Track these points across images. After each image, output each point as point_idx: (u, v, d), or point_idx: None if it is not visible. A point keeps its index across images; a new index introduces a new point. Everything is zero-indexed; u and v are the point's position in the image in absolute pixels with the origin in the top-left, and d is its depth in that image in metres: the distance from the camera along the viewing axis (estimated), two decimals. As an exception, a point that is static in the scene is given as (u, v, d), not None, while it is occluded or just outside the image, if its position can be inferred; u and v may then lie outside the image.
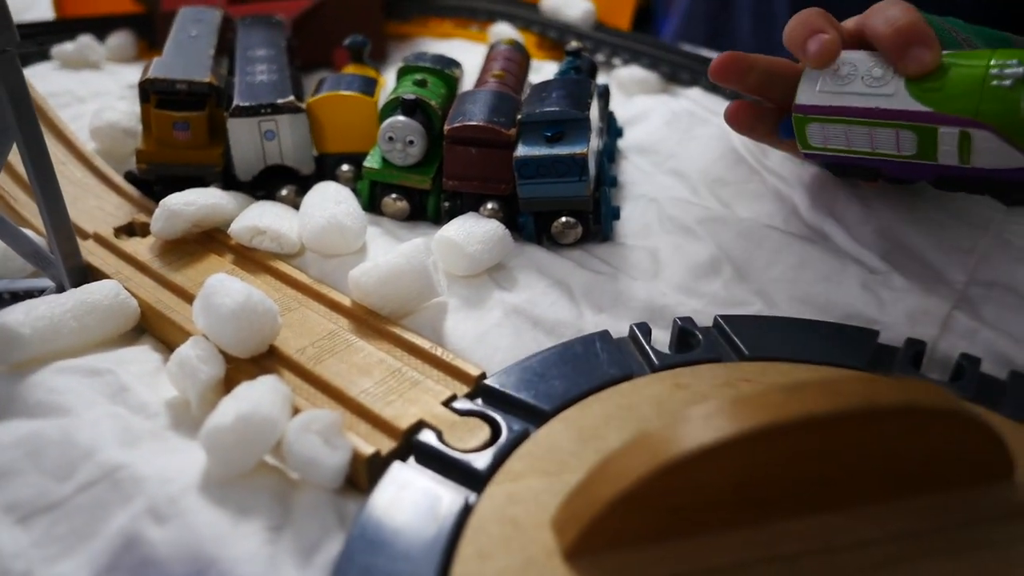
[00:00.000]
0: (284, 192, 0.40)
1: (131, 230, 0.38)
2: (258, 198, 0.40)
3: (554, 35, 0.57)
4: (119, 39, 0.57)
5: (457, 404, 0.26)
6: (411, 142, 0.37)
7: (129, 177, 0.41)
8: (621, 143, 0.46)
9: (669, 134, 0.45)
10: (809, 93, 0.32)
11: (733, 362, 0.28)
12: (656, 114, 0.48)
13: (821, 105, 0.31)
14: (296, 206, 0.40)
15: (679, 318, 0.30)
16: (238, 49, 0.45)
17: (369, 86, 0.41)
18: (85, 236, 0.36)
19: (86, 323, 0.29)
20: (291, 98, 0.39)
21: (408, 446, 0.25)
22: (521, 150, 0.35)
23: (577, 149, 0.34)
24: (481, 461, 0.24)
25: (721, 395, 0.26)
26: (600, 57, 0.56)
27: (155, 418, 0.27)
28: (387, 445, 0.25)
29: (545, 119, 0.35)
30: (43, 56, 0.56)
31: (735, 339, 0.29)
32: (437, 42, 0.60)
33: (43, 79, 0.52)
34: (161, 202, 0.35)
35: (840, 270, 0.34)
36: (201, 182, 0.40)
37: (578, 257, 0.36)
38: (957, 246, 0.34)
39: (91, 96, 0.51)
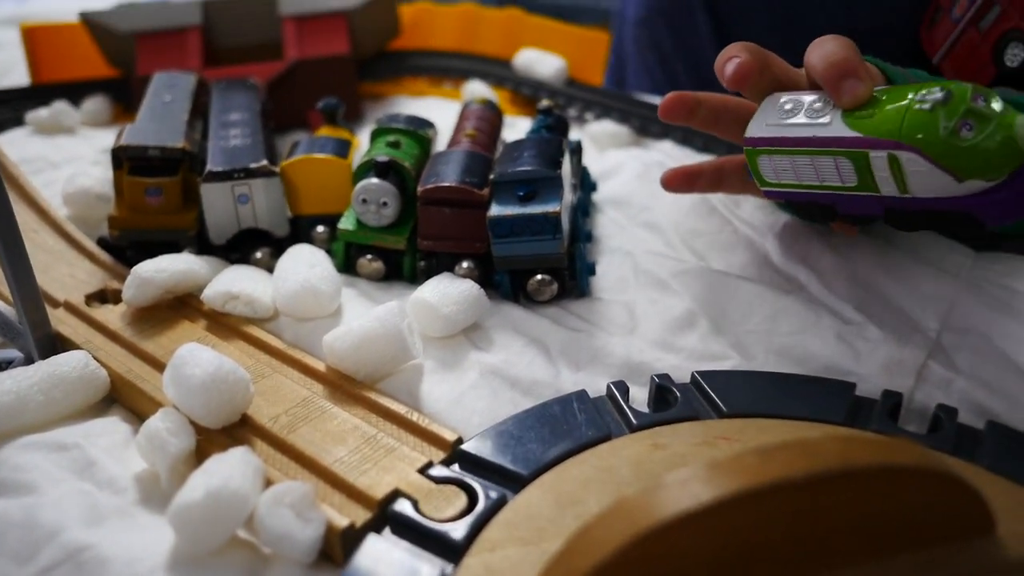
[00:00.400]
0: (258, 255, 0.40)
1: (103, 297, 0.37)
2: (232, 261, 0.40)
3: (527, 91, 0.58)
4: (94, 104, 0.57)
5: (433, 471, 0.26)
6: (385, 204, 0.38)
7: (102, 243, 0.41)
8: (595, 196, 0.46)
9: (642, 187, 0.46)
10: (757, 127, 0.33)
11: (711, 419, 0.28)
12: (628, 167, 0.48)
13: (766, 137, 0.32)
14: (270, 269, 0.40)
15: (656, 375, 0.30)
16: (212, 113, 0.46)
17: (343, 148, 0.42)
18: (56, 304, 0.36)
19: (53, 396, 0.28)
20: (264, 162, 0.39)
21: (383, 516, 0.24)
22: (494, 209, 0.35)
23: (550, 208, 0.34)
24: (458, 531, 0.23)
25: (699, 454, 0.26)
26: (572, 112, 0.57)
27: (123, 493, 0.26)
28: (362, 516, 0.24)
29: (517, 178, 0.36)
30: (17, 122, 0.55)
31: (712, 396, 0.29)
32: (411, 100, 0.61)
33: (17, 145, 0.52)
34: (132, 269, 0.34)
35: (815, 321, 0.34)
36: (175, 247, 0.40)
37: (554, 314, 0.36)
38: (930, 294, 0.35)
39: (65, 162, 0.51)
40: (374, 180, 0.38)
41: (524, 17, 0.63)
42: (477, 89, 0.58)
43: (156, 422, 0.26)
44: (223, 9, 0.59)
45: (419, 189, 0.36)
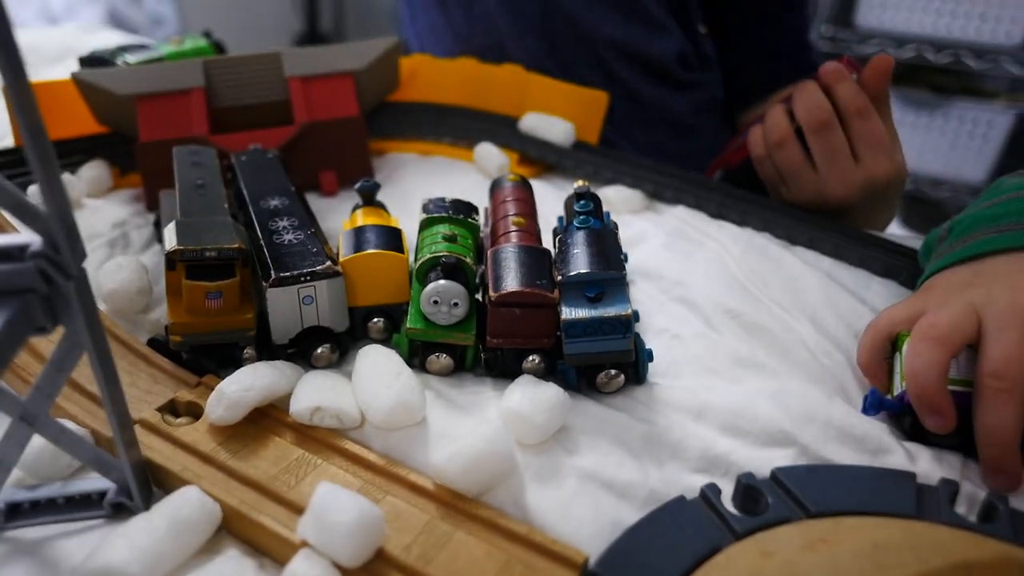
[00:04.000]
0: (320, 351, 0.40)
1: (174, 410, 0.37)
2: (290, 356, 0.40)
3: (535, 154, 0.60)
4: (94, 171, 0.55)
5: (574, 597, 0.28)
6: (456, 304, 0.39)
7: (152, 344, 0.41)
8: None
9: (670, 258, 0.49)
10: None
11: (801, 520, 0.31)
12: (652, 236, 0.51)
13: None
14: (331, 364, 0.40)
15: (742, 476, 0.33)
16: (247, 196, 0.45)
17: (397, 240, 0.42)
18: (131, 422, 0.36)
19: (181, 543, 0.29)
20: (328, 263, 0.40)
21: (541, 650, 0.26)
22: (567, 312, 0.37)
23: (622, 311, 0.37)
24: (620, 664, 0.25)
25: (806, 560, 0.29)
26: (579, 172, 0.59)
27: (278, 644, 0.27)
28: (522, 652, 0.26)
29: (586, 280, 0.38)
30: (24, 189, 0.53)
31: (797, 495, 0.32)
32: (421, 160, 0.61)
33: (24, 225, 0.50)
34: (218, 389, 0.35)
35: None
36: (234, 346, 0.40)
37: (622, 405, 0.38)
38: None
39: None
40: (443, 282, 0.38)
41: (524, 73, 0.64)
42: (489, 153, 0.59)
43: (304, 568, 0.27)
44: (225, 69, 0.57)
45: (492, 294, 0.38)
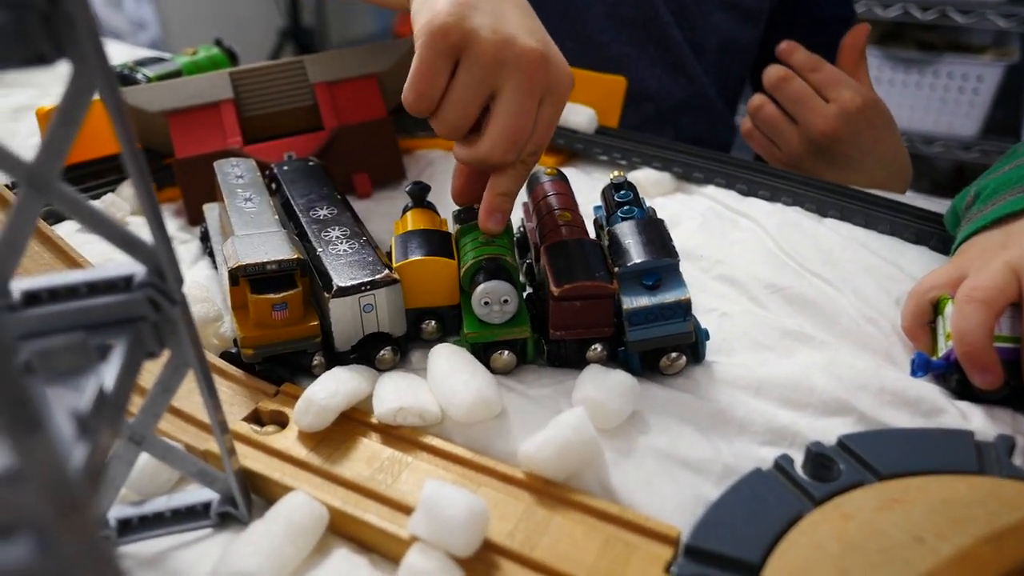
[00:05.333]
0: (383, 354, 0.42)
1: (258, 419, 0.39)
2: (353, 361, 0.42)
3: (562, 143, 0.61)
4: (132, 188, 0.56)
5: (676, 569, 0.30)
6: (506, 301, 0.40)
7: (225, 357, 0.42)
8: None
9: (707, 239, 0.50)
10: None
11: (873, 483, 0.33)
12: (686, 218, 0.52)
13: None
14: (393, 366, 0.42)
15: (812, 445, 0.35)
16: (296, 207, 0.47)
17: (446, 245, 0.44)
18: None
19: (299, 546, 0.30)
20: (386, 272, 0.41)
21: (652, 621, 0.28)
22: (628, 301, 0.39)
23: (681, 295, 0.38)
24: (730, 628, 0.27)
25: (886, 520, 0.31)
26: (604, 157, 0.60)
27: (406, 633, 0.28)
28: (635, 624, 0.28)
29: (643, 269, 0.39)
30: (58, 215, 0.54)
31: (865, 459, 0.34)
32: (448, 156, 0.63)
33: (79, 248, 0.50)
34: (306, 398, 0.36)
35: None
36: (304, 354, 0.41)
37: (684, 385, 0.40)
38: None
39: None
40: (491, 283, 0.40)
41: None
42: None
43: (422, 561, 0.29)
44: (252, 79, 0.58)
45: (555, 289, 0.39)
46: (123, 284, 0.29)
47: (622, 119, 0.64)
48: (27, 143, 0.66)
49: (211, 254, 0.52)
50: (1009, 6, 1.41)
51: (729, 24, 0.79)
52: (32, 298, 0.28)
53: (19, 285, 0.28)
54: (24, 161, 0.24)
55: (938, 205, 0.54)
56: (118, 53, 0.91)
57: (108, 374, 0.26)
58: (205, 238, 0.53)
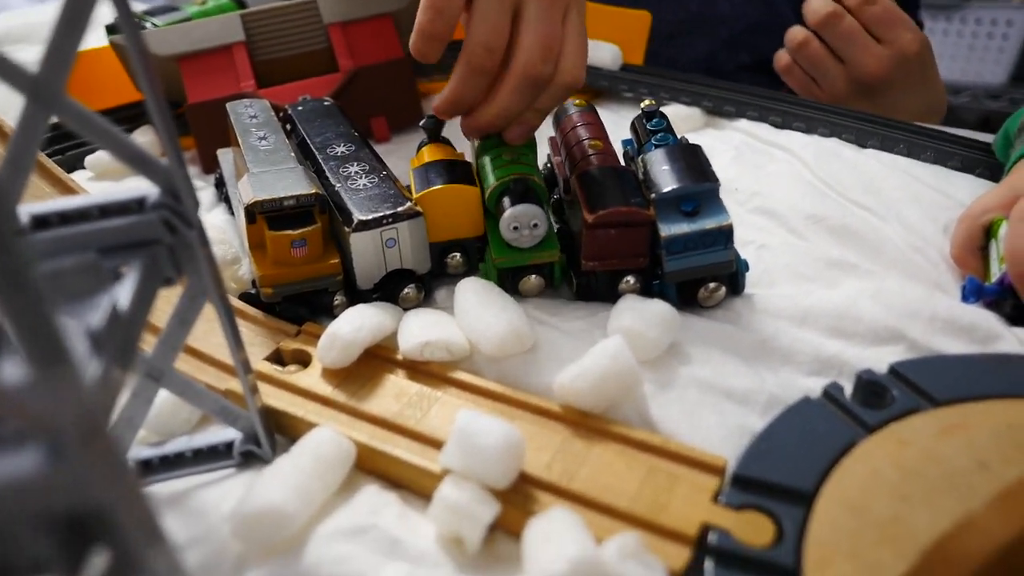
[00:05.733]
0: (406, 292, 0.40)
1: (279, 359, 0.37)
2: (374, 300, 0.40)
3: (586, 80, 0.58)
4: (144, 136, 0.54)
5: (724, 498, 0.28)
6: (535, 224, 0.38)
7: (244, 298, 0.41)
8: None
9: (742, 171, 0.48)
10: None
11: (929, 410, 0.31)
12: (718, 152, 0.50)
13: None
14: (418, 304, 0.40)
15: (862, 372, 0.33)
16: (312, 145, 0.45)
17: (468, 173, 0.42)
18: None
19: (327, 481, 0.29)
20: (409, 204, 0.39)
21: (701, 551, 0.27)
22: (666, 229, 0.37)
23: (723, 221, 0.36)
24: (786, 556, 0.26)
25: (945, 446, 0.29)
26: (629, 94, 0.58)
27: (441, 567, 0.27)
28: (683, 554, 0.26)
29: (681, 194, 0.37)
30: (71, 165, 0.52)
31: (920, 386, 0.32)
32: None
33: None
34: (330, 333, 0.35)
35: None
36: (323, 293, 0.40)
37: (725, 316, 0.38)
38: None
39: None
40: (521, 206, 0.38)
41: None
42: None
43: (456, 493, 0.27)
44: (263, 21, 0.56)
45: (589, 216, 0.37)
46: (136, 207, 0.28)
47: (688, 47, 0.62)
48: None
49: (227, 200, 0.50)
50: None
51: None
52: (41, 223, 0.27)
53: (27, 209, 0.26)
54: (28, 71, 0.23)
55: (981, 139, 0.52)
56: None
57: (122, 295, 0.25)
58: (220, 184, 0.51)
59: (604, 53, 0.58)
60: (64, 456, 0.17)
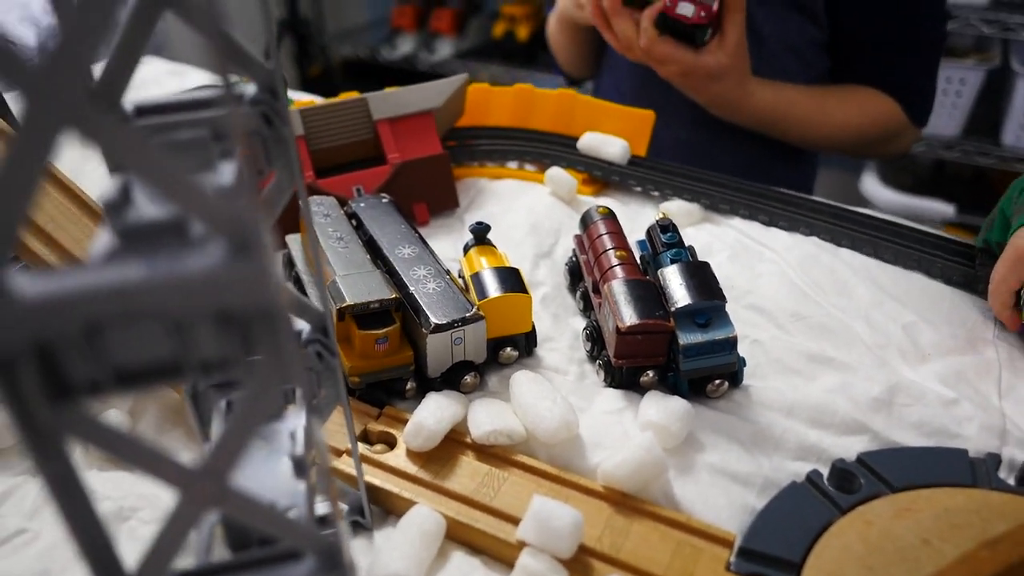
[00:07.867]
0: (467, 379, 0.48)
1: (367, 439, 0.45)
2: (439, 386, 0.48)
3: (599, 174, 0.67)
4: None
5: (735, 567, 0.37)
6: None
7: (329, 381, 0.48)
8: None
9: (738, 270, 0.57)
10: None
11: (888, 494, 0.41)
12: (717, 250, 0.59)
13: None
14: (475, 389, 0.48)
15: (836, 461, 0.42)
16: (382, 246, 0.53)
17: (519, 281, 0.50)
18: (338, 452, 0.44)
19: (431, 551, 0.37)
20: (475, 310, 0.47)
21: (720, 609, 0.35)
22: (684, 338, 0.46)
23: (730, 333, 0.45)
24: (784, 615, 0.35)
25: (900, 526, 0.39)
26: (638, 189, 0.67)
27: (524, 621, 0.36)
28: (707, 612, 0.35)
29: (696, 309, 0.46)
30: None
31: (881, 474, 0.41)
32: (493, 183, 0.69)
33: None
34: (416, 423, 0.43)
35: (919, 396, 0.47)
36: (399, 380, 0.48)
37: (727, 407, 0.47)
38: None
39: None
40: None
41: (575, 96, 0.71)
42: (559, 176, 0.66)
43: (534, 563, 0.36)
44: (319, 116, 0.64)
45: (622, 326, 0.46)
46: (235, 101, 0.29)
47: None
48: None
49: (296, 280, 0.58)
50: (991, 12, 1.48)
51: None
52: (143, 111, 0.26)
53: (130, 100, 0.26)
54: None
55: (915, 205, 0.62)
56: (158, 68, 0.95)
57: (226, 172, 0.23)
58: (289, 264, 0.59)
59: (615, 148, 0.67)
60: (246, 254, 0.18)
